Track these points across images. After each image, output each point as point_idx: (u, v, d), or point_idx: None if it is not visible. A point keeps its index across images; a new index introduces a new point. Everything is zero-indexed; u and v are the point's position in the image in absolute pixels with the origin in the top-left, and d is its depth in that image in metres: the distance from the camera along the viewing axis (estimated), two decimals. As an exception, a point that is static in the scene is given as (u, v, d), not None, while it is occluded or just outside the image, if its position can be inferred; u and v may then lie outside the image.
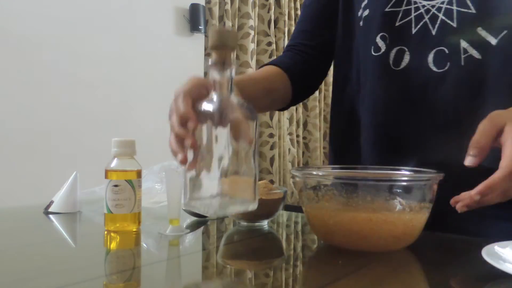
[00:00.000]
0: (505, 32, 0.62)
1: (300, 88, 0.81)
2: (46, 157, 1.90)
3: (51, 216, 0.72)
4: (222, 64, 0.48)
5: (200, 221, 0.68)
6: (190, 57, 2.52)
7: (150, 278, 0.41)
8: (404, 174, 0.58)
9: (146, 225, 0.64)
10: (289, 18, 2.97)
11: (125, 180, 0.59)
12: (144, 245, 0.55)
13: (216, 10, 2.59)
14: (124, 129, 2.12)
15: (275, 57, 2.85)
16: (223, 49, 0.48)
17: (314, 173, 0.57)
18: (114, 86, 2.16)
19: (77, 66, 2.03)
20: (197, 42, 2.56)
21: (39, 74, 1.92)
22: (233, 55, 0.50)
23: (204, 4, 2.55)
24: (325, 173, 0.60)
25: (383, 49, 0.70)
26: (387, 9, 0.70)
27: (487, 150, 0.50)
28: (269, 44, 2.86)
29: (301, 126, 3.07)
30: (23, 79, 1.87)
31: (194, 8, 2.48)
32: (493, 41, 0.63)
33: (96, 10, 2.11)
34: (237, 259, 0.50)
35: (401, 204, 0.49)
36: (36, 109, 1.90)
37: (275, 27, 2.92)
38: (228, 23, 2.61)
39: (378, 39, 0.71)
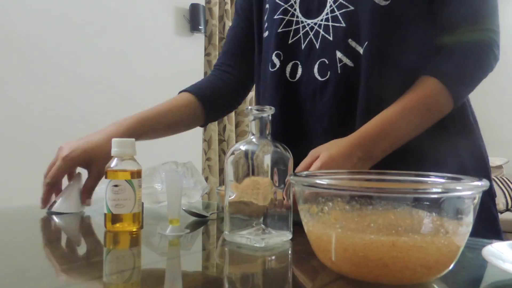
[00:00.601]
0: (366, 42, 0.70)
1: (213, 108, 0.92)
2: (46, 157, 1.90)
3: (51, 216, 0.72)
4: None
5: (200, 221, 0.68)
6: (190, 57, 2.52)
7: (150, 278, 0.41)
8: (439, 182, 0.45)
9: (146, 225, 0.64)
10: (289, 18, 2.96)
11: (125, 180, 0.59)
12: (144, 245, 0.55)
13: (216, 10, 2.59)
14: (124, 129, 2.12)
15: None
16: None
17: (318, 181, 0.41)
18: (114, 86, 2.16)
19: (77, 66, 2.03)
20: (197, 42, 2.56)
21: (39, 74, 1.92)
22: None
23: (204, 4, 2.55)
24: (333, 181, 0.42)
25: (277, 65, 0.80)
26: (279, 30, 0.80)
27: None
28: (269, 44, 2.85)
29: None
30: (23, 79, 1.87)
31: (194, 8, 2.48)
32: (361, 50, 0.72)
33: (96, 10, 2.10)
34: (236, 259, 0.50)
35: (434, 223, 0.38)
36: (36, 109, 1.90)
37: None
38: (228, 23, 2.61)
39: (273, 57, 0.81)
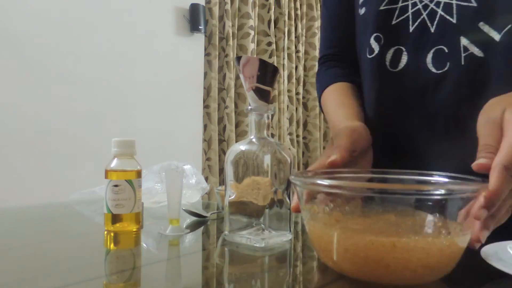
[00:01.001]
0: (509, 26, 0.56)
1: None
2: (46, 157, 1.90)
3: (51, 216, 0.72)
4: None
5: (200, 221, 0.68)
6: (190, 57, 2.52)
7: (150, 278, 0.41)
8: (443, 183, 0.45)
9: (146, 225, 0.64)
10: (289, 18, 2.97)
11: (125, 180, 0.59)
12: (144, 245, 0.55)
13: (216, 10, 2.59)
14: (124, 129, 2.12)
15: (275, 57, 2.85)
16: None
17: (319, 182, 0.40)
18: (114, 86, 2.16)
19: (77, 66, 2.03)
20: (197, 42, 2.56)
21: (39, 74, 1.92)
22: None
23: (204, 4, 2.55)
24: (334, 182, 0.40)
25: (376, 51, 0.67)
26: (382, 7, 0.66)
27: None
28: (269, 44, 2.86)
29: (301, 126, 3.07)
30: (23, 79, 1.87)
31: (194, 8, 2.48)
32: (497, 36, 0.57)
33: (96, 10, 2.11)
34: (235, 259, 0.50)
35: (436, 224, 0.37)
36: (36, 109, 1.90)
37: (275, 27, 2.92)
38: (228, 23, 2.61)
39: (372, 41, 0.67)
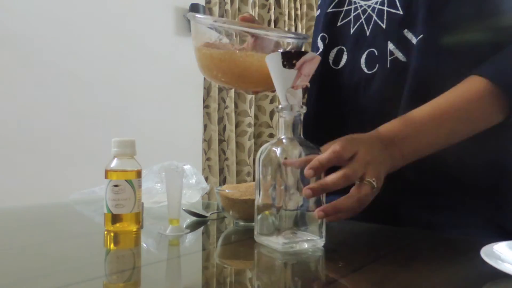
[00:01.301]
0: (423, 34, 0.61)
1: None
2: (46, 157, 1.90)
3: (51, 216, 0.72)
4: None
5: (200, 221, 0.69)
6: (190, 57, 2.52)
7: (150, 278, 0.41)
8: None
9: (146, 225, 0.64)
10: (289, 18, 2.97)
11: (125, 180, 0.59)
12: (144, 245, 0.55)
13: (216, 10, 2.59)
14: (124, 129, 2.12)
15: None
16: None
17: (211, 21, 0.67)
18: (114, 86, 2.16)
19: (77, 66, 2.03)
20: (197, 42, 2.56)
21: (39, 74, 1.92)
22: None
23: (204, 4, 2.56)
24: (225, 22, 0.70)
25: (321, 49, 0.73)
26: (329, 10, 0.72)
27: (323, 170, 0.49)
28: (269, 44, 2.85)
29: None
30: (23, 79, 1.87)
31: (194, 8, 2.49)
32: (414, 40, 0.62)
33: (96, 10, 2.11)
34: (235, 259, 0.50)
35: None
36: (36, 109, 1.90)
37: (275, 27, 2.92)
38: (228, 23, 2.61)
39: (318, 40, 0.73)
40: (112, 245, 0.55)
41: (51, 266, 0.45)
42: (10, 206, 0.96)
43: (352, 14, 0.69)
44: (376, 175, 0.50)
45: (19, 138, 1.85)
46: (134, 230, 0.60)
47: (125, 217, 0.59)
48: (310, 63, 0.50)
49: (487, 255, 0.40)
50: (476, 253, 0.41)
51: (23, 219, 0.74)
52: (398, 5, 0.63)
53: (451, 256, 0.49)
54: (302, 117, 0.52)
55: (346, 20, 0.70)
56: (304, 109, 0.51)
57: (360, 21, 0.68)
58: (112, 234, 0.59)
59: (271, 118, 2.75)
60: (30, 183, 1.81)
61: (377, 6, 0.66)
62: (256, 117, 2.84)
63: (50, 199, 0.76)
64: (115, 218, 0.59)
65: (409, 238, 0.57)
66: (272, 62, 0.50)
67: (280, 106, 0.51)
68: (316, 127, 0.73)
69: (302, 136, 0.52)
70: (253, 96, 2.75)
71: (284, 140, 0.51)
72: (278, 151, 0.50)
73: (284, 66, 0.49)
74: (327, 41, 0.72)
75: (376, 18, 0.66)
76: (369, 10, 0.67)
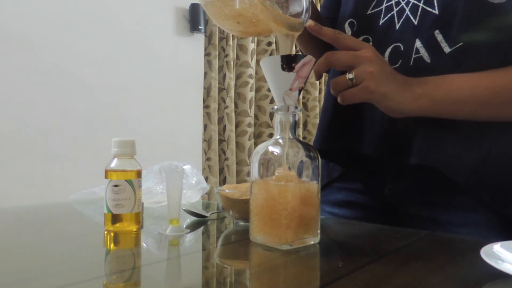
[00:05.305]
0: (461, 44, 0.59)
1: None
2: (46, 157, 1.91)
3: (51, 216, 0.72)
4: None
5: (200, 221, 0.69)
6: (190, 57, 2.52)
7: (150, 278, 0.41)
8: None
9: (146, 225, 0.64)
10: None
11: (125, 180, 0.59)
12: (144, 245, 0.55)
13: (216, 10, 2.58)
14: (124, 129, 2.12)
15: (275, 57, 2.85)
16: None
17: None
18: (114, 86, 2.16)
19: (77, 66, 2.03)
20: (197, 42, 2.56)
21: (39, 74, 1.92)
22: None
23: (204, 4, 2.55)
24: None
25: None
26: None
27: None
28: (269, 44, 2.86)
29: (301, 126, 3.07)
30: (23, 79, 1.87)
31: (194, 8, 2.48)
32: (446, 49, 0.60)
33: (96, 10, 2.11)
34: (235, 259, 0.50)
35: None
36: (36, 109, 1.90)
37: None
38: (228, 23, 2.61)
39: (346, 25, 0.70)
40: (112, 245, 0.55)
41: (51, 266, 0.45)
42: (10, 206, 0.96)
43: (384, 5, 0.67)
44: (369, 76, 0.54)
45: (19, 138, 1.85)
46: (134, 230, 0.60)
47: (125, 217, 0.59)
48: (308, 66, 0.50)
49: (487, 255, 0.40)
50: (476, 253, 0.41)
51: (23, 219, 0.74)
52: (435, 4, 0.61)
53: (451, 256, 0.49)
54: (297, 117, 0.52)
55: (377, 9, 0.67)
56: (299, 110, 0.51)
57: (392, 13, 0.65)
58: (112, 234, 0.59)
59: (271, 118, 2.75)
60: (30, 183, 1.81)
61: (412, 1, 0.63)
62: (256, 117, 2.84)
63: (50, 199, 0.76)
64: (115, 218, 0.59)
65: (409, 238, 0.57)
66: (268, 66, 0.51)
67: (276, 106, 0.51)
68: (335, 116, 0.73)
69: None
70: (253, 96, 2.75)
71: (280, 140, 0.51)
72: (274, 151, 0.50)
73: (283, 69, 0.49)
74: (355, 28, 0.69)
75: (408, 13, 0.63)
76: (403, 3, 0.64)
